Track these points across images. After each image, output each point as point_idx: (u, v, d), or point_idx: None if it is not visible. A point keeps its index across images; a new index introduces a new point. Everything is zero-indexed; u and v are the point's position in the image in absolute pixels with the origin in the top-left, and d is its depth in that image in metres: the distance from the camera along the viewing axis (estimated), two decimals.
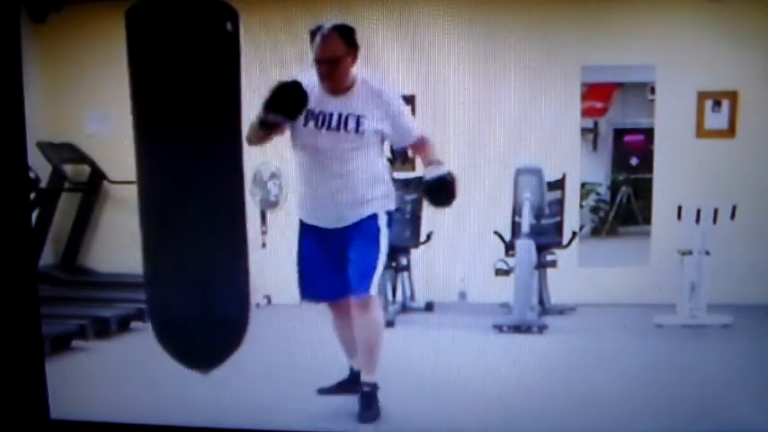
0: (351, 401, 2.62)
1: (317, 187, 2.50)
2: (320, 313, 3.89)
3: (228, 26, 2.23)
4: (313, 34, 2.41)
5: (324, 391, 2.76)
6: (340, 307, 2.63)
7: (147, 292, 2.47)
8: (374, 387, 2.57)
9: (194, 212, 2.30)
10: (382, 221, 2.53)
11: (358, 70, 2.47)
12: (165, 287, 2.36)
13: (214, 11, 2.27)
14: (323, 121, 2.45)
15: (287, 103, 2.38)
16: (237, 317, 2.47)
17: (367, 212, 2.51)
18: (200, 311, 2.34)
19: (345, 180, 2.47)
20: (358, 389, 2.60)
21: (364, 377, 2.57)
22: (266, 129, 2.44)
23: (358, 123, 2.44)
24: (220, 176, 2.34)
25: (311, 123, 2.46)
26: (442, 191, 2.53)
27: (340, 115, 2.45)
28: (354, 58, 2.45)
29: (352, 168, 2.46)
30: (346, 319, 2.60)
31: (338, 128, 2.44)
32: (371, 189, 2.50)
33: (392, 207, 2.58)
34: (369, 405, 2.55)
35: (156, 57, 2.23)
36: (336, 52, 2.40)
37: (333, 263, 2.54)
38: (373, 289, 2.50)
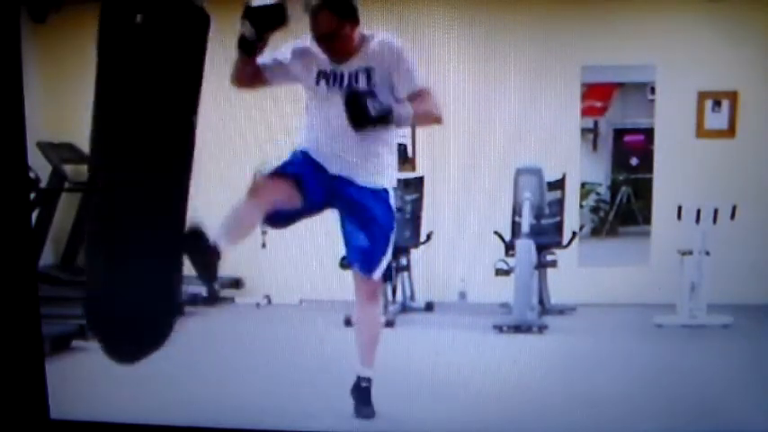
0: (351, 401, 2.62)
1: (330, 143, 2.45)
2: (320, 313, 3.90)
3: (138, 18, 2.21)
4: (306, 8, 2.36)
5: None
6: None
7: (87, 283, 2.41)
8: (370, 383, 2.55)
9: (135, 207, 2.24)
10: (392, 200, 2.50)
11: (365, 29, 2.43)
12: (101, 281, 2.31)
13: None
14: (334, 80, 2.41)
15: (262, 15, 2.30)
16: (163, 318, 2.40)
17: (379, 184, 2.47)
18: (131, 308, 2.28)
19: (356, 139, 2.41)
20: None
21: (363, 371, 2.55)
22: (244, 51, 2.37)
23: (369, 76, 2.40)
24: (165, 177, 2.29)
25: (323, 83, 2.43)
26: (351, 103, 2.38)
27: (350, 73, 2.40)
28: (353, 24, 2.38)
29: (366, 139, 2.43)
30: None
31: (350, 85, 2.41)
32: (382, 155, 2.46)
33: (395, 183, 2.54)
34: (367, 400, 2.54)
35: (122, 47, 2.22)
36: (330, 27, 2.34)
37: (320, 204, 2.52)
38: (378, 273, 2.49)
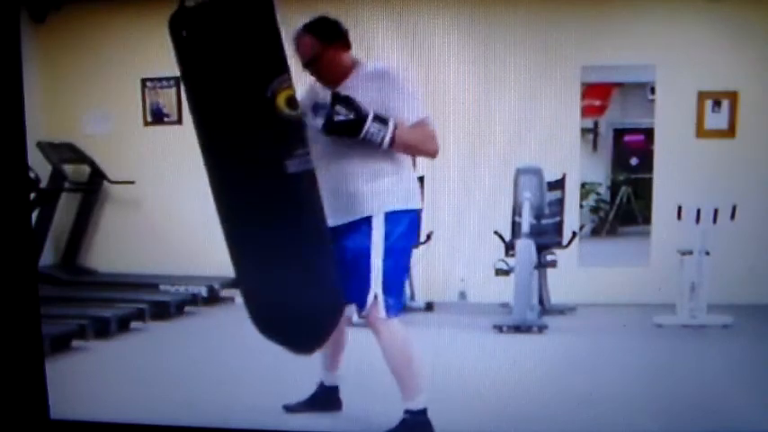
0: (352, 402, 2.62)
1: (326, 180, 2.32)
2: None
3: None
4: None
5: (290, 409, 2.63)
6: None
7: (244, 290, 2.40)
8: (416, 415, 2.34)
9: (307, 191, 2.23)
10: (377, 223, 2.31)
11: (360, 55, 2.36)
12: (259, 284, 2.31)
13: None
14: (322, 108, 2.29)
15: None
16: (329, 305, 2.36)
17: (361, 213, 2.31)
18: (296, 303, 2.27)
19: (345, 172, 2.30)
20: (327, 406, 2.57)
21: (404, 403, 2.37)
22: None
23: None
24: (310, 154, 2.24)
25: (311, 115, 2.32)
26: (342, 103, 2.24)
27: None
28: (338, 48, 2.30)
29: (351, 160, 2.29)
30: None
31: (329, 112, 2.26)
32: (371, 184, 2.31)
33: (399, 205, 2.32)
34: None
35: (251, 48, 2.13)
36: (312, 52, 2.27)
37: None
38: (367, 310, 2.31)
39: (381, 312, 2.29)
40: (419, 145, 2.29)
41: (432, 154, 2.32)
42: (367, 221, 2.31)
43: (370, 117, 2.21)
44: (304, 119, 2.29)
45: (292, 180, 2.18)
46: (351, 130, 2.21)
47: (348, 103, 2.21)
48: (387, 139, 2.22)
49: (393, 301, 2.32)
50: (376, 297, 2.29)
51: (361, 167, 2.30)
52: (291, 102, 2.18)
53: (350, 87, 2.28)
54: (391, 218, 2.31)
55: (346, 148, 2.28)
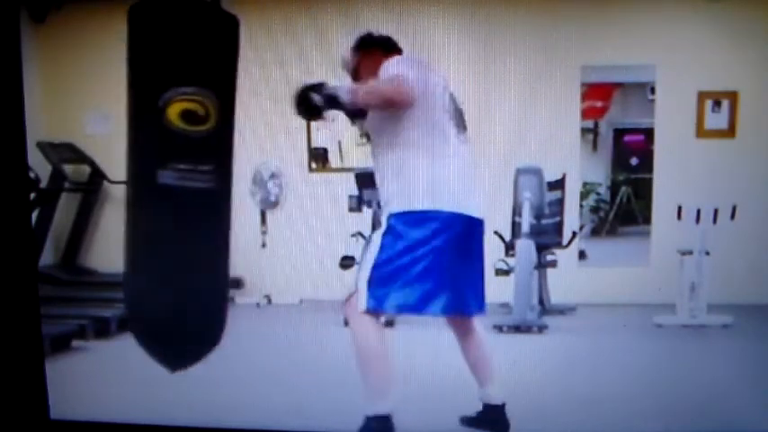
0: (351, 401, 2.62)
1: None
2: (320, 313, 3.89)
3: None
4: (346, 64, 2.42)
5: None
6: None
7: (127, 291, 2.36)
8: (371, 420, 2.27)
9: (178, 207, 2.20)
10: (383, 222, 2.28)
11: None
12: (144, 286, 2.27)
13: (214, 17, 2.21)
14: None
15: (301, 108, 2.29)
16: (214, 317, 2.39)
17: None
18: (178, 311, 2.26)
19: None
20: (492, 426, 2.44)
21: (368, 410, 2.30)
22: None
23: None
24: (211, 174, 2.25)
25: None
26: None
27: None
28: (378, 58, 2.31)
29: (382, 160, 2.31)
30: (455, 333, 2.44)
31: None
32: (388, 185, 2.29)
33: (399, 207, 2.24)
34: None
35: (156, 54, 2.17)
36: (376, 66, 2.30)
37: None
38: (361, 306, 2.24)
39: (361, 305, 2.23)
40: (377, 90, 2.22)
41: (390, 97, 2.21)
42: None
43: (307, 85, 2.24)
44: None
45: (162, 191, 2.15)
46: (299, 106, 2.26)
47: (302, 96, 2.25)
48: (343, 94, 2.22)
49: (379, 296, 2.23)
50: (358, 288, 2.25)
51: (384, 166, 2.29)
52: (186, 116, 2.15)
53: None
54: (394, 218, 2.26)
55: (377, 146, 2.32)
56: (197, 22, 2.16)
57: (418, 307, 2.30)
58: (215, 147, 2.24)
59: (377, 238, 2.27)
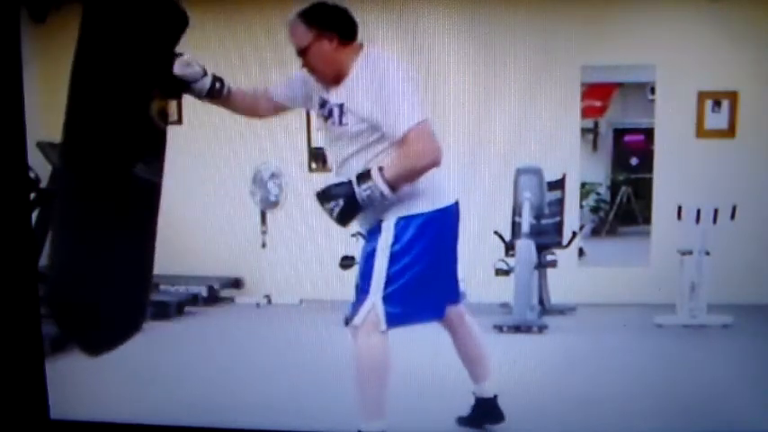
0: (351, 401, 2.62)
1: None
2: (320, 313, 3.89)
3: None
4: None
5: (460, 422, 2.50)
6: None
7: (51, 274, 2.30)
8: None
9: (135, 196, 2.21)
10: (387, 229, 2.13)
11: (364, 45, 2.12)
12: (68, 272, 2.24)
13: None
14: (326, 111, 2.12)
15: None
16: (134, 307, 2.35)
17: (375, 220, 2.16)
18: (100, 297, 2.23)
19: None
20: (487, 419, 2.43)
21: (362, 426, 2.25)
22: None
23: (340, 113, 2.08)
24: (158, 167, 2.25)
25: (321, 114, 2.16)
26: (325, 198, 2.13)
27: (332, 106, 2.10)
28: (333, 39, 2.06)
29: (352, 167, 2.11)
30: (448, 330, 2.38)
31: (332, 120, 2.11)
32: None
33: (404, 212, 2.12)
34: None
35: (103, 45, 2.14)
36: (303, 40, 2.06)
37: None
38: (360, 318, 2.17)
39: (381, 325, 2.13)
40: (416, 166, 2.03)
41: (430, 166, 2.05)
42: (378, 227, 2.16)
43: (357, 190, 2.05)
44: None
45: (135, 182, 2.18)
46: (351, 211, 2.09)
47: (327, 194, 2.11)
48: (386, 190, 2.02)
49: (399, 311, 2.14)
50: (374, 306, 2.13)
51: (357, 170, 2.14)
52: (162, 113, 2.16)
53: (346, 88, 2.08)
54: (402, 223, 2.14)
55: (346, 150, 2.14)
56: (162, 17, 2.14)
57: (438, 312, 2.27)
58: (164, 143, 2.25)
59: (383, 249, 2.12)
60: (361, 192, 2.04)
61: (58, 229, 2.28)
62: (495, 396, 2.43)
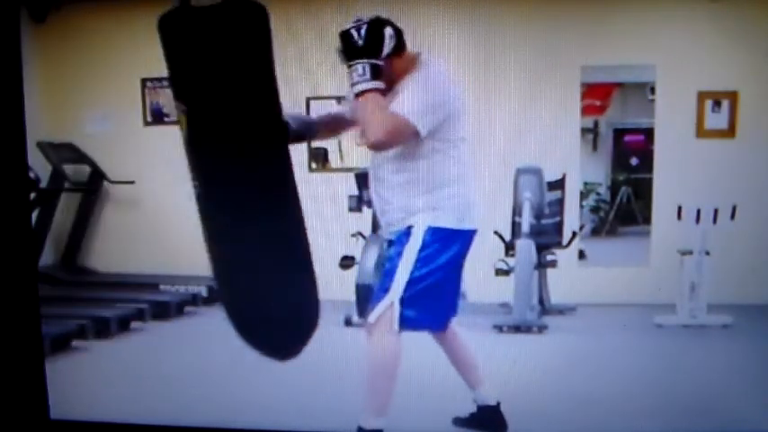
0: (351, 401, 2.62)
1: (375, 191, 2.29)
2: (320, 313, 3.87)
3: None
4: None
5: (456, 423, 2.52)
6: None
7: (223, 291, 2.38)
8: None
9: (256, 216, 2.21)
10: (416, 235, 2.20)
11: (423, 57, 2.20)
12: (238, 284, 2.29)
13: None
14: None
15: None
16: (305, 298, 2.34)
17: (404, 225, 2.23)
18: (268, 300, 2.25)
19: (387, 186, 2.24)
20: (488, 426, 2.45)
21: (362, 421, 2.28)
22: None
23: None
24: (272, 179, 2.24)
25: None
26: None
27: None
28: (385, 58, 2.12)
29: (391, 172, 2.21)
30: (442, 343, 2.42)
31: None
32: (411, 199, 2.21)
33: (440, 222, 2.19)
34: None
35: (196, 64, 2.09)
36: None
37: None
38: (375, 314, 2.21)
39: (395, 325, 2.19)
40: (368, 118, 2.09)
41: (370, 137, 2.10)
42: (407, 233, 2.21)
43: (369, 61, 2.07)
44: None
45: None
46: (346, 52, 2.10)
47: (373, 33, 2.09)
48: (358, 88, 2.08)
49: (414, 315, 2.20)
50: (392, 305, 2.19)
51: (393, 174, 2.22)
52: None
53: (398, 88, 2.16)
54: (431, 232, 2.20)
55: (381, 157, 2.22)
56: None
57: (443, 324, 2.35)
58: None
59: (410, 252, 2.19)
60: (363, 64, 2.07)
61: (213, 241, 2.29)
62: (498, 404, 2.43)
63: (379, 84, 2.09)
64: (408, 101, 2.11)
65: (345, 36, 2.10)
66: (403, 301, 2.19)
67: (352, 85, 2.09)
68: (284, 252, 2.24)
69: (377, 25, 2.10)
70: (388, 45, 2.11)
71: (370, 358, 2.25)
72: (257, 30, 2.12)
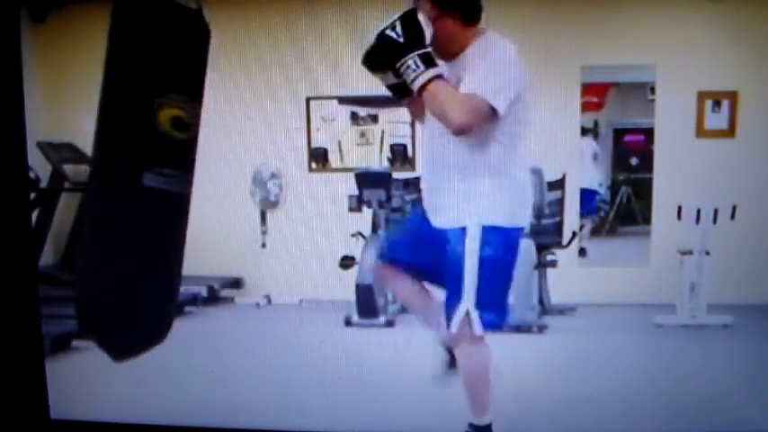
0: (351, 401, 2.62)
1: (429, 172, 2.21)
2: (320, 313, 3.89)
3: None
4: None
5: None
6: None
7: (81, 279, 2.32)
8: (480, 430, 2.23)
9: (151, 207, 2.19)
10: (472, 235, 2.11)
11: (487, 30, 2.15)
12: (97, 276, 2.25)
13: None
14: None
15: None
16: (163, 315, 2.38)
17: (460, 222, 2.13)
18: (130, 303, 2.25)
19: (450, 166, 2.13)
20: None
21: (472, 417, 2.25)
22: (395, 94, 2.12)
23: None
24: (182, 178, 2.24)
25: None
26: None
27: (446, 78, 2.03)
28: (456, 19, 2.06)
29: (457, 154, 2.12)
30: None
31: None
32: (475, 186, 2.16)
33: (496, 221, 2.13)
34: None
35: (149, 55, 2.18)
36: (429, 15, 2.03)
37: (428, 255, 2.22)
38: (455, 324, 2.14)
39: (476, 328, 2.14)
40: (445, 106, 1.98)
41: (452, 122, 2.00)
42: (463, 231, 2.13)
43: (418, 52, 1.96)
44: None
45: (147, 193, 2.15)
46: (389, 52, 1.99)
47: (410, 24, 1.99)
48: (418, 82, 1.97)
49: (490, 316, 2.16)
50: (468, 312, 2.13)
51: (457, 168, 2.15)
52: (176, 123, 2.17)
53: (459, 66, 2.07)
54: (488, 231, 2.12)
55: (442, 147, 2.13)
56: (186, 28, 2.18)
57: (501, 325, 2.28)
58: (189, 153, 2.26)
59: (471, 255, 2.10)
60: (412, 57, 1.97)
61: (87, 230, 2.28)
62: (490, 424, 2.32)
63: (438, 70, 1.99)
64: (478, 80, 2.04)
65: (383, 39, 2.00)
66: (477, 305, 2.14)
67: (410, 82, 1.98)
68: (158, 260, 2.24)
69: (410, 15, 2.01)
70: (428, 31, 2.02)
71: (464, 366, 2.24)
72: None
